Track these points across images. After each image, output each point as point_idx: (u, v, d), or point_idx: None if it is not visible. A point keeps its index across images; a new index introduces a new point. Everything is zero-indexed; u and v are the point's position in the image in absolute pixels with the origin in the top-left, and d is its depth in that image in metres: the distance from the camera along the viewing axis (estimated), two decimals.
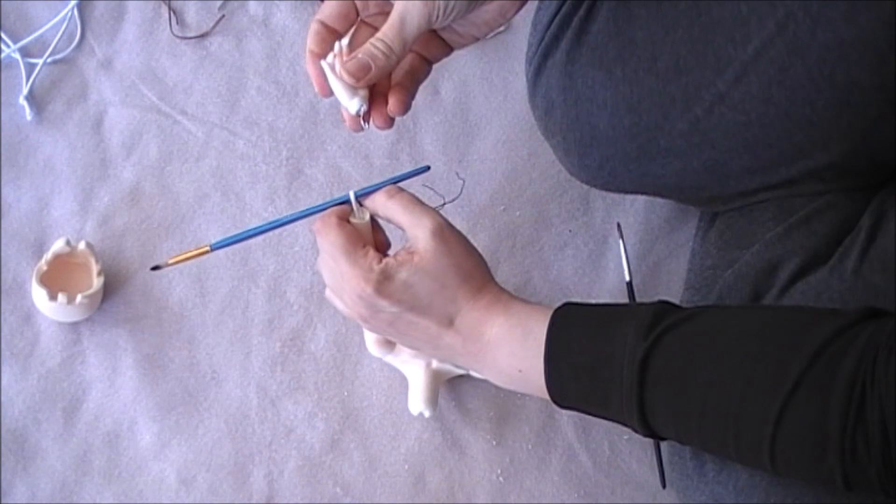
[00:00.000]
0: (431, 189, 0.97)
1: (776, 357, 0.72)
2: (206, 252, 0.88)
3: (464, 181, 1.08)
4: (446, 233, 0.84)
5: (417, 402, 1.00)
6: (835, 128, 0.86)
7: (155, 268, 0.91)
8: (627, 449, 1.03)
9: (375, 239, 0.88)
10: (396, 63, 0.84)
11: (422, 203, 0.86)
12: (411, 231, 0.85)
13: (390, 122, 0.88)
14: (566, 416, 1.03)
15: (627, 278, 1.06)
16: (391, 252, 0.89)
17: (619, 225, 1.08)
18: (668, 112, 0.89)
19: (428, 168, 0.90)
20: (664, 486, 1.01)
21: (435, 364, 0.99)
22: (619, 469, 1.03)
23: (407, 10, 0.83)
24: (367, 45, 0.83)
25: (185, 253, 0.89)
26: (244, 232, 0.90)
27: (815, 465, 0.71)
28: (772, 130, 0.87)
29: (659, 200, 1.09)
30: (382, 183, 0.87)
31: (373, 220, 0.88)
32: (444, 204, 0.95)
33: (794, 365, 0.70)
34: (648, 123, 0.90)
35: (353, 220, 0.87)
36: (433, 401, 1.00)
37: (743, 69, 0.86)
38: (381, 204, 0.87)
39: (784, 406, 0.70)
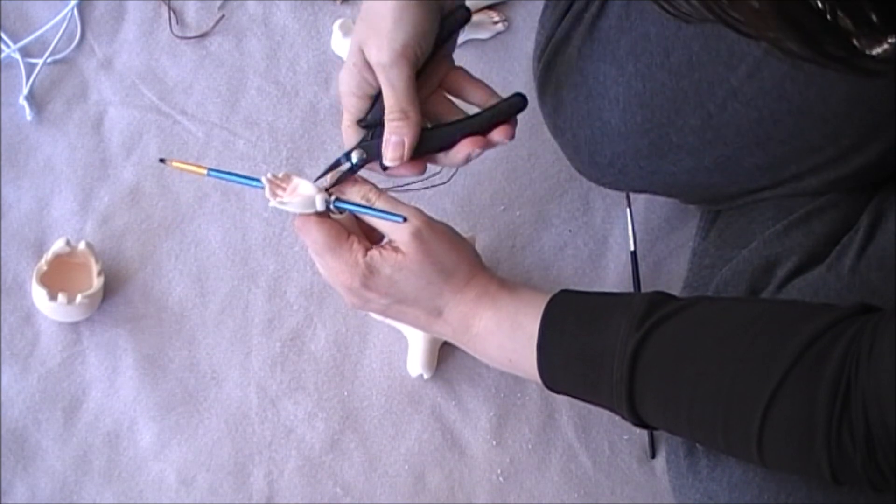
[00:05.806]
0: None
1: (766, 350, 0.73)
2: (203, 173, 0.88)
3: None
4: (425, 234, 0.85)
5: (416, 364, 1.02)
6: (847, 123, 0.86)
7: (162, 160, 0.91)
8: (627, 449, 1.03)
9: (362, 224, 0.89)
10: (419, 118, 0.86)
11: (401, 204, 0.86)
12: (391, 235, 0.86)
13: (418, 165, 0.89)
14: (566, 416, 1.03)
15: (632, 248, 1.06)
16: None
17: (627, 194, 1.07)
18: (680, 108, 0.89)
19: (404, 219, 0.85)
20: (653, 457, 1.02)
21: None
22: (619, 469, 1.03)
23: (388, 73, 0.84)
24: (387, 126, 0.86)
25: (188, 164, 0.90)
26: (243, 175, 0.89)
27: (803, 457, 0.72)
28: (784, 126, 0.87)
29: (659, 200, 1.09)
30: (358, 205, 0.87)
31: None
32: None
33: (783, 358, 0.71)
34: (661, 119, 0.90)
35: (333, 215, 0.87)
36: (431, 363, 1.02)
37: (756, 65, 0.85)
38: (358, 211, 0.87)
39: (772, 398, 0.71)
